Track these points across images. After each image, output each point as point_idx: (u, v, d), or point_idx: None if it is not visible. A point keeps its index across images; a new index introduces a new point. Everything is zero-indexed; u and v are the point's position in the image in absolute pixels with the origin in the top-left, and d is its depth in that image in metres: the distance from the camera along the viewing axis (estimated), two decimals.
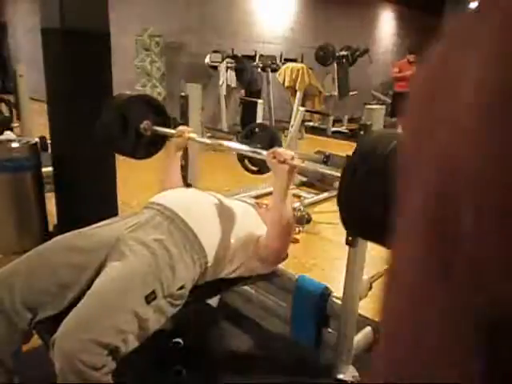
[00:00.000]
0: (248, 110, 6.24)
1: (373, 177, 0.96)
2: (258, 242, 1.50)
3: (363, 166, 0.99)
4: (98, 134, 1.88)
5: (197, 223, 1.41)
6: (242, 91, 6.67)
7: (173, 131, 1.83)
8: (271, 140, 2.80)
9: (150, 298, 1.19)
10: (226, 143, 1.86)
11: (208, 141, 1.86)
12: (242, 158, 2.70)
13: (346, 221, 1.06)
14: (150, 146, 1.97)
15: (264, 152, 1.50)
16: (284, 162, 1.39)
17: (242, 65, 6.41)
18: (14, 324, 1.22)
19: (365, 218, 1.00)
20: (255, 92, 6.55)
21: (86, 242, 1.33)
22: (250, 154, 1.65)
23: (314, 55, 7.04)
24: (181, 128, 1.80)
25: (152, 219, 1.40)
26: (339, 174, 1.11)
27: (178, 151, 1.83)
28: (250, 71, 6.41)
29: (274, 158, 1.40)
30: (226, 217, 1.51)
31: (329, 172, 1.36)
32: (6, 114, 4.28)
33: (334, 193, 4.34)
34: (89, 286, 1.22)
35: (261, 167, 2.77)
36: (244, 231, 1.51)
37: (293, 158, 1.40)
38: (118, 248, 1.29)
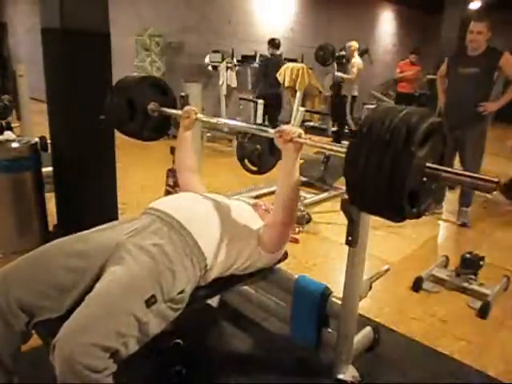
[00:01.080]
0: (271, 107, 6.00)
1: (378, 148, 0.96)
2: (261, 228, 1.52)
3: (370, 136, 0.99)
4: (106, 116, 1.91)
5: (196, 228, 1.41)
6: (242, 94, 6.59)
7: (179, 112, 1.85)
8: (271, 140, 2.80)
9: (150, 301, 1.19)
10: (232, 122, 1.93)
11: (214, 120, 1.87)
12: (241, 157, 2.71)
13: (351, 192, 1.06)
14: (157, 127, 1.99)
15: (271, 130, 1.51)
16: (291, 140, 1.40)
17: (269, 60, 6.28)
18: (11, 325, 1.21)
19: (371, 190, 1.00)
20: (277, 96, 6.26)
21: (86, 246, 1.33)
22: (255, 132, 1.67)
23: (313, 55, 7.03)
24: (187, 108, 1.81)
25: (151, 224, 1.40)
26: (345, 150, 1.10)
27: (186, 131, 1.84)
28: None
29: (281, 136, 1.41)
30: (226, 219, 1.51)
31: (336, 148, 1.34)
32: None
33: (334, 193, 4.36)
34: (88, 291, 1.21)
35: (260, 167, 2.77)
36: (244, 232, 1.52)
37: (300, 136, 1.40)
38: (117, 253, 1.29)
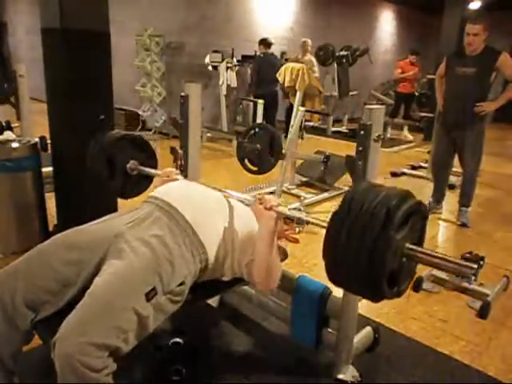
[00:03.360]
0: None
1: (358, 232, 0.97)
2: (250, 263, 1.46)
3: (349, 220, 1.00)
4: (89, 166, 1.89)
5: (196, 219, 1.40)
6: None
7: (159, 172, 1.83)
8: (271, 140, 2.81)
9: (150, 295, 1.19)
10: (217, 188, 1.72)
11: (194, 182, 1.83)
12: (242, 157, 2.71)
13: (331, 270, 1.06)
14: (137, 185, 1.96)
15: (250, 198, 1.52)
16: (270, 208, 1.39)
17: (261, 60, 6.35)
18: (15, 325, 1.21)
19: (350, 271, 1.01)
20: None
21: (85, 238, 1.33)
22: (240, 199, 1.62)
23: (313, 55, 7.03)
24: (167, 170, 1.79)
25: (151, 214, 1.40)
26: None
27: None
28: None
29: (261, 203, 1.42)
30: (226, 214, 1.51)
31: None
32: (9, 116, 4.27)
33: (334, 193, 4.36)
34: (89, 283, 1.22)
35: (260, 167, 2.77)
36: (244, 229, 1.50)
37: (278, 205, 1.41)
38: (116, 245, 1.28)
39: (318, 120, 8.32)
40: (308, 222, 1.34)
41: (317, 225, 1.28)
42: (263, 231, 1.41)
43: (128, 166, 1.87)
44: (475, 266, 0.98)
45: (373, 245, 0.95)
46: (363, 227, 0.97)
